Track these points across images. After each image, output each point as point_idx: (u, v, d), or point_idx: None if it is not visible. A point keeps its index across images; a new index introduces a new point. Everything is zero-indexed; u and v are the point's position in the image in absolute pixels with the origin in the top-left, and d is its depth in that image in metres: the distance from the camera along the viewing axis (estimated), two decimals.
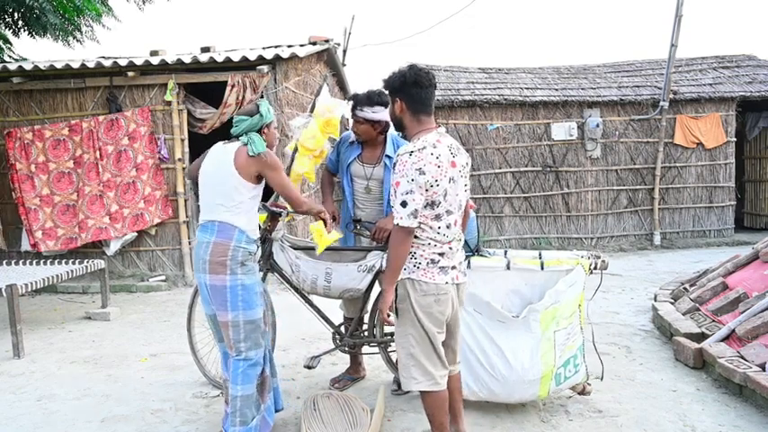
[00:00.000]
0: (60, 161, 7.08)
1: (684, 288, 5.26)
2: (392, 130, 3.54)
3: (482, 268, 3.23)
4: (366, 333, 3.52)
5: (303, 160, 3.64)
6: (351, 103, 3.45)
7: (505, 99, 9.32)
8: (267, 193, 3.00)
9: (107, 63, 6.96)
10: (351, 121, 3.62)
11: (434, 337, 2.57)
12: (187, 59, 6.91)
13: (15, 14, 9.07)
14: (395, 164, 2.52)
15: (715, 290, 4.68)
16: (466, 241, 2.97)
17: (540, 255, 3.39)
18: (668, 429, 3.08)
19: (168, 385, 3.90)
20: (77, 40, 9.86)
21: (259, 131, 2.90)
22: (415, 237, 2.52)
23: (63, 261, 5.79)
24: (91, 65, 6.98)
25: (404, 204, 2.43)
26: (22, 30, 9.36)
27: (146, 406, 3.57)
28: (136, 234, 7.15)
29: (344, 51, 10.59)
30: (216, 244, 2.76)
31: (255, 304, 2.84)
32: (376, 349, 3.62)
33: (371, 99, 3.39)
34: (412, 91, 2.58)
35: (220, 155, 2.87)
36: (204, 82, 7.09)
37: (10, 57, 9.57)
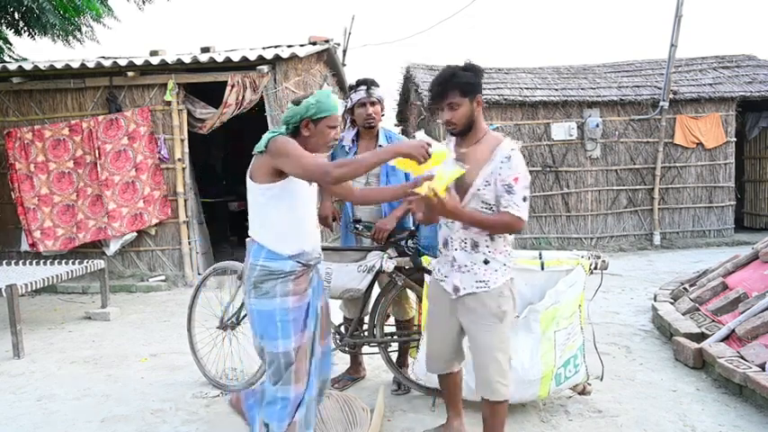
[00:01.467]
0: (60, 161, 7.08)
1: (684, 288, 5.25)
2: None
3: None
4: (366, 333, 3.52)
5: None
6: (362, 87, 3.45)
7: (505, 99, 9.31)
8: None
9: (107, 63, 6.96)
10: (357, 113, 3.56)
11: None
12: (187, 59, 6.92)
13: (15, 14, 9.07)
14: (508, 157, 2.45)
15: (715, 290, 4.68)
16: None
17: (540, 255, 3.38)
18: (668, 429, 3.08)
19: (168, 385, 3.89)
20: (78, 40, 9.86)
21: (297, 128, 2.43)
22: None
23: (63, 261, 5.79)
24: (91, 65, 6.98)
25: (525, 199, 2.45)
26: (22, 30, 9.35)
27: (146, 406, 3.57)
28: (135, 234, 7.16)
29: (344, 51, 10.59)
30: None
31: (273, 336, 2.37)
32: (376, 349, 3.62)
33: (376, 82, 3.51)
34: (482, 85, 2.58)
35: None
36: (204, 82, 7.10)
37: (10, 57, 9.57)
